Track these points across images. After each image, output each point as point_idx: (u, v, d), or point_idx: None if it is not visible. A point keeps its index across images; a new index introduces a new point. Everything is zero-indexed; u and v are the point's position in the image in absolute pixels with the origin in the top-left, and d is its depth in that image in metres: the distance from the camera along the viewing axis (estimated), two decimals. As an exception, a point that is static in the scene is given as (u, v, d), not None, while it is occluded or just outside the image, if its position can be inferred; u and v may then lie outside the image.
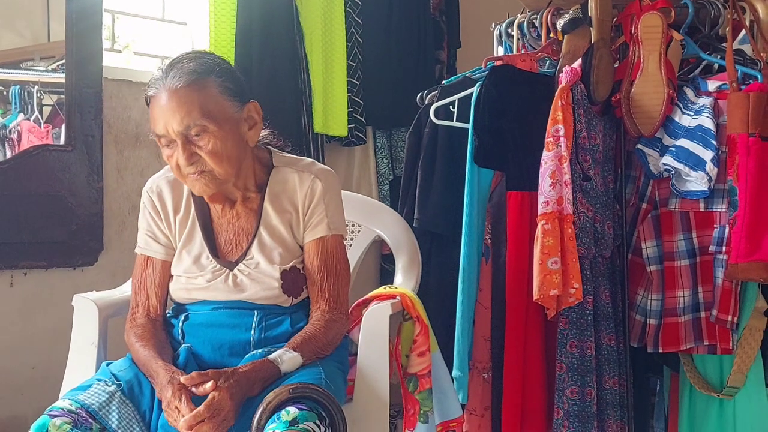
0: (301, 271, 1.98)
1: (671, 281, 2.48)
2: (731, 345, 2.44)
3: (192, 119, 1.84)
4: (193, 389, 1.74)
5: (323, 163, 2.12)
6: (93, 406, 1.77)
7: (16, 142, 2.87)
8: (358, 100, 3.67)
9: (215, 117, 1.86)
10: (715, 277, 2.46)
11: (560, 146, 2.33)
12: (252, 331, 1.92)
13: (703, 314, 2.48)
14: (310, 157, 2.16)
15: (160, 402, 1.80)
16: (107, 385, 1.83)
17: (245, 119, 1.93)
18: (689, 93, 2.50)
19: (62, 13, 2.87)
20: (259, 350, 1.89)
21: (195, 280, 1.97)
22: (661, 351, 2.49)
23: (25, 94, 2.90)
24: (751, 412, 2.47)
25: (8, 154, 2.83)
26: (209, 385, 1.72)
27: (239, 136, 1.91)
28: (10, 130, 2.87)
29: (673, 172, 2.42)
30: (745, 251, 2.33)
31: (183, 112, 1.83)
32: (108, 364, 1.92)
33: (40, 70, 2.97)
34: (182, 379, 1.75)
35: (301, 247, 1.99)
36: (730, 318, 2.41)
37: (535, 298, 2.31)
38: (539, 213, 2.33)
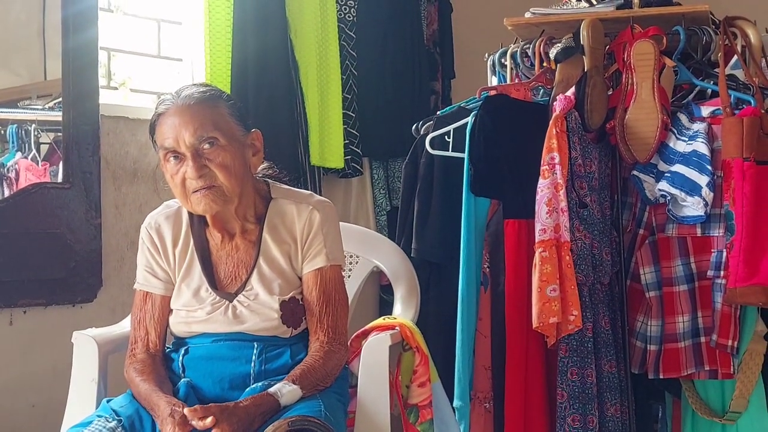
0: (300, 302, 1.98)
1: (670, 307, 2.48)
2: (732, 370, 2.44)
3: (205, 131, 1.89)
4: (194, 423, 1.73)
5: (321, 196, 2.13)
6: (94, 443, 1.76)
7: (14, 180, 2.87)
8: (354, 131, 3.68)
9: (225, 133, 1.92)
10: (714, 302, 2.46)
11: (556, 174, 2.34)
12: (252, 364, 1.92)
13: (703, 339, 2.47)
14: (308, 190, 2.18)
15: (161, 437, 1.79)
16: (108, 421, 1.82)
17: (249, 145, 1.98)
18: (683, 119, 2.52)
19: (58, 51, 2.87)
20: (259, 383, 1.88)
21: (194, 313, 1.97)
22: (662, 377, 2.48)
23: (23, 132, 2.90)
24: (754, 437, 2.47)
25: (6, 193, 2.83)
26: (209, 420, 1.72)
27: (245, 159, 1.96)
28: (8, 169, 2.87)
29: (669, 197, 2.43)
30: (743, 275, 2.34)
31: (196, 123, 1.89)
32: (108, 401, 1.92)
33: (37, 109, 2.97)
34: (186, 410, 1.75)
35: (300, 278, 2.00)
36: (730, 342, 2.41)
37: (534, 326, 2.31)
38: (537, 240, 2.33)
